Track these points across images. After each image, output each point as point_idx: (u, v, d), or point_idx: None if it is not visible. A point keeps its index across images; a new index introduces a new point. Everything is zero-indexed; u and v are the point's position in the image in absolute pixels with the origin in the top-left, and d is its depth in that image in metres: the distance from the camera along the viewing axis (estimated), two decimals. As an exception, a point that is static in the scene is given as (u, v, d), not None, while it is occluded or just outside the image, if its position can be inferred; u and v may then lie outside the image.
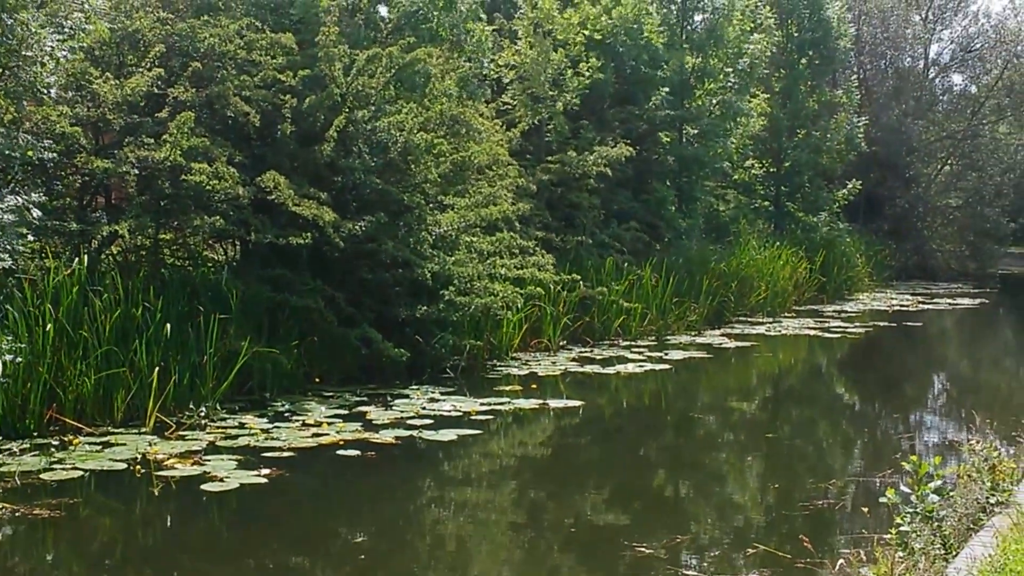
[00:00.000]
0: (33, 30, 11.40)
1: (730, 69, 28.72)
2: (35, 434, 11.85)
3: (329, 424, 13.00)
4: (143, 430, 12.35)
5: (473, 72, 22.37)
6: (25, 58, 11.52)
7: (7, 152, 11.21)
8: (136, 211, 14.16)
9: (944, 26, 47.57)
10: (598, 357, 19.31)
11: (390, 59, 16.80)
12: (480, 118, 19.42)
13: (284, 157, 15.84)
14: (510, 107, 23.69)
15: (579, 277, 20.25)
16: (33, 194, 12.20)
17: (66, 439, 11.80)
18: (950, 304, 32.81)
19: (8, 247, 11.14)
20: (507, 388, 15.98)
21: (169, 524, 9.95)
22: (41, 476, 10.52)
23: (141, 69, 14.87)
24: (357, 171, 15.97)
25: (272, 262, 15.41)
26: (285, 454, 11.61)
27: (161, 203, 14.75)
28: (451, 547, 9.60)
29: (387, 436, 12.55)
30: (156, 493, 10.34)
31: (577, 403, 15.33)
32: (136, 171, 14.11)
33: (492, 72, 24.21)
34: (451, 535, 9.93)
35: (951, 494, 7.98)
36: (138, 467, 11.00)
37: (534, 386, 16.31)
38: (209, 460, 11.24)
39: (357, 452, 11.83)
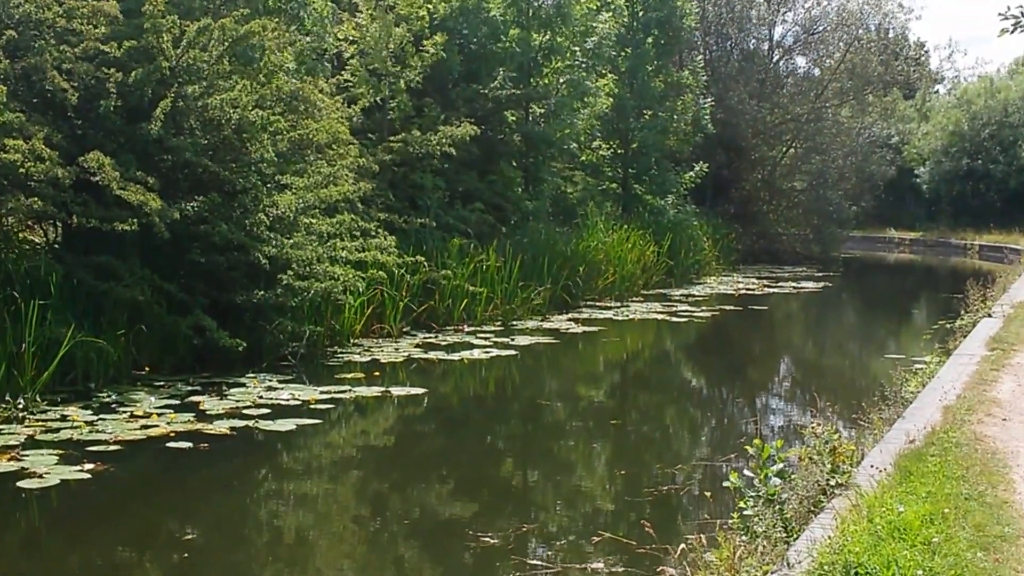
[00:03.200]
0: None
1: (577, 48, 29.00)
2: None
3: (159, 415, 12.73)
4: (-47, 424, 11.91)
5: (312, 46, 22.11)
6: None
7: None
8: (-56, 189, 13.60)
9: (788, 8, 48.95)
10: (443, 343, 19.34)
11: (223, 31, 16.45)
12: (320, 94, 19.19)
13: (109, 134, 15.37)
14: (351, 84, 23.48)
15: (423, 260, 20.23)
16: None
17: None
18: (795, 288, 33.84)
19: None
20: (348, 376, 15.89)
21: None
22: None
23: (-52, 36, 14.28)
24: (187, 150, 15.62)
25: (97, 246, 14.97)
26: (111, 447, 11.34)
27: (-29, 182, 14.20)
28: (289, 541, 9.51)
29: (221, 427, 12.36)
30: (-32, 492, 9.98)
31: (421, 391, 15.34)
32: (-57, 147, 13.55)
33: (332, 47, 23.95)
34: (290, 529, 9.83)
35: (793, 477, 8.21)
36: (-53, 464, 10.61)
37: (376, 373, 16.25)
38: (27, 455, 10.89)
39: (189, 444, 11.62)
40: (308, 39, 21.75)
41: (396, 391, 15.11)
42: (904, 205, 65.82)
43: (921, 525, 6.80)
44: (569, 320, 23.37)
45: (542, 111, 28.29)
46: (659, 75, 35.91)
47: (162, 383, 14.57)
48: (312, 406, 13.73)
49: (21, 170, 13.58)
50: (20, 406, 12.61)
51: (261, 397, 13.98)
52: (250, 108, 16.45)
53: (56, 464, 10.62)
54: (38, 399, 12.92)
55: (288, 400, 13.91)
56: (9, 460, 10.71)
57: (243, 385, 14.66)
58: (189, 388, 14.38)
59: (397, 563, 8.99)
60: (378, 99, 23.36)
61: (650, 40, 35.10)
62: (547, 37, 28.13)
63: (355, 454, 12.57)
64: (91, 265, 14.70)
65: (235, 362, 15.56)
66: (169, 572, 8.54)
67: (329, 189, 17.69)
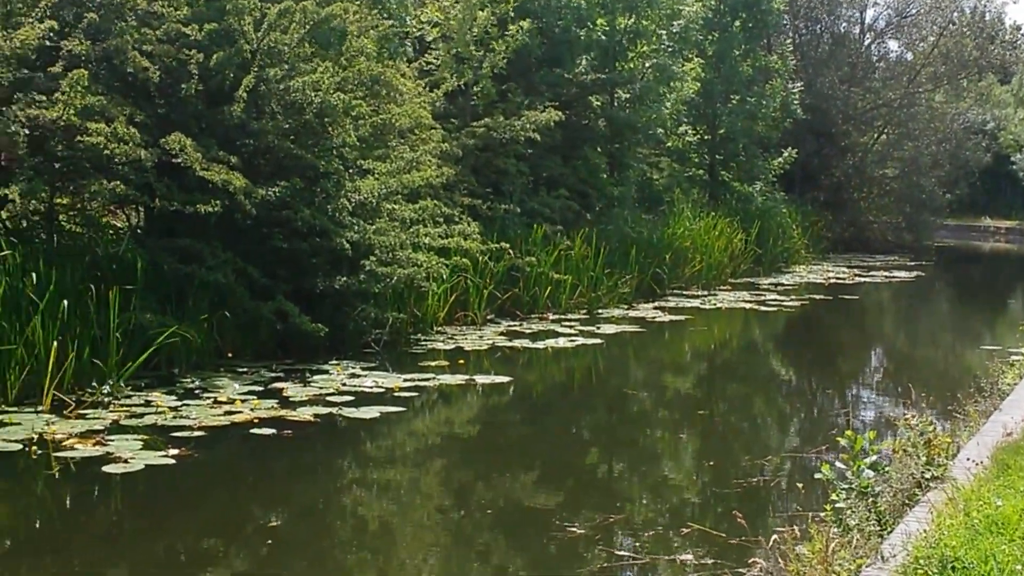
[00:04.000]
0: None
1: (663, 32, 28.75)
2: (-79, 415, 11.56)
3: (243, 401, 12.80)
4: (39, 409, 12.05)
5: (394, 30, 22.13)
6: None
7: None
8: (28, 174, 13.76)
9: (881, -10, 48.15)
10: (527, 331, 19.28)
11: (304, 13, 16.47)
12: (402, 79, 19.21)
13: (190, 117, 15.49)
14: (433, 68, 23.47)
15: (507, 246, 20.18)
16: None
17: (-45, 420, 11.52)
18: (886, 277, 33.30)
19: None
20: (432, 363, 15.89)
21: (69, 508, 9.74)
22: (-72, 459, 10.27)
23: (31, 19, 14.43)
24: (269, 134, 15.71)
25: (179, 230, 15.12)
26: (195, 433, 11.43)
27: (56, 166, 14.38)
28: (373, 530, 9.53)
29: (305, 414, 12.40)
30: (54, 475, 10.11)
31: (505, 379, 15.28)
32: (26, 131, 13.71)
33: (414, 30, 23.97)
34: (373, 517, 9.85)
35: (887, 469, 8.06)
36: (34, 448, 10.76)
37: (460, 361, 16.23)
38: (112, 440, 11.00)
39: (272, 431, 11.67)
40: (390, 22, 21.77)
41: (480, 379, 15.08)
42: (1000, 193, 64.55)
43: (1020, 519, 6.66)
44: (655, 309, 23.20)
45: (627, 96, 28.07)
46: (747, 59, 35.48)
47: (245, 369, 14.68)
48: (396, 394, 13.74)
49: (105, 151, 13.71)
50: (105, 391, 12.75)
51: (344, 384, 14.01)
52: (332, 91, 16.48)
53: (141, 449, 10.72)
54: (123, 384, 13.06)
55: (371, 387, 13.94)
56: (95, 445, 10.84)
57: (326, 372, 14.71)
58: (272, 374, 14.47)
59: (481, 553, 8.94)
60: (461, 84, 23.32)
61: (738, 23, 34.72)
62: (632, 20, 27.91)
63: (439, 442, 12.55)
64: (174, 249, 14.83)
65: (318, 349, 15.61)
66: (254, 559, 8.57)
67: (412, 174, 17.69)
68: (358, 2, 19.57)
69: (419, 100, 19.56)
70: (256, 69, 15.70)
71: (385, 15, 21.76)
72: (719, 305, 24.59)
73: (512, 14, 24.24)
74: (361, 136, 17.35)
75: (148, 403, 12.61)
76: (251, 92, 15.53)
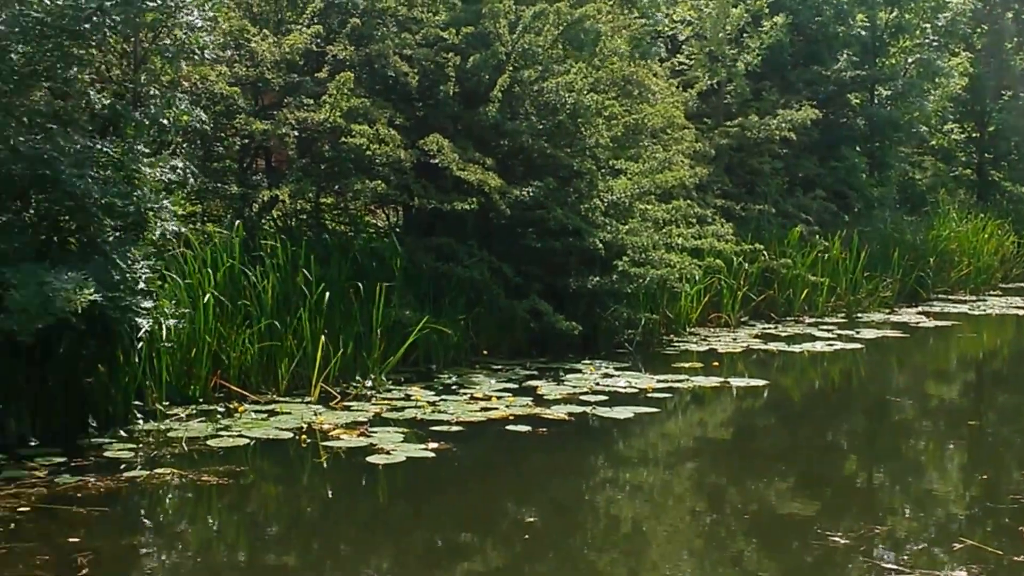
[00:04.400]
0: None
1: (928, 25, 27.90)
2: (201, 400, 12.32)
3: (498, 398, 13.15)
4: (308, 399, 12.72)
5: (646, 29, 22.24)
6: (179, 22, 11.80)
7: (160, 119, 11.56)
8: (296, 175, 14.55)
9: None
10: (782, 334, 19.07)
11: (558, 15, 16.81)
12: (654, 78, 19.32)
13: (447, 119, 16.05)
14: (686, 67, 23.48)
15: (761, 248, 20.00)
16: (191, 157, 12.60)
17: (231, 406, 12.25)
18: None
19: (168, 211, 11.52)
20: (685, 365, 15.93)
21: (335, 495, 10.26)
22: (208, 443, 10.96)
23: (299, 26, 15.22)
24: (524, 134, 16.08)
25: (435, 229, 15.70)
26: (453, 428, 11.81)
27: (321, 166, 15.13)
28: (626, 530, 9.62)
29: (559, 412, 12.64)
30: (322, 463, 10.65)
31: (761, 382, 15.17)
32: (296, 133, 14.48)
33: (666, 29, 24.02)
34: (626, 518, 9.95)
35: None
36: (304, 437, 11.35)
37: (715, 364, 16.20)
38: (375, 432, 11.50)
39: (528, 428, 11.95)
40: (642, 22, 21.90)
41: (735, 382, 15.02)
42: None
43: None
44: (919, 313, 22.54)
45: (888, 93, 27.36)
46: (1019, 53, 34.03)
47: (500, 367, 15.08)
48: (649, 394, 13.84)
49: (368, 152, 14.36)
50: (368, 385, 13.37)
51: (597, 384, 14.20)
52: (585, 92, 16.74)
53: (402, 442, 11.16)
54: (384, 378, 13.63)
55: (625, 387, 14.08)
56: (359, 436, 11.36)
57: (579, 371, 14.95)
58: (526, 372, 14.81)
59: (737, 558, 8.91)
60: (714, 82, 23.24)
61: (1010, 15, 33.33)
62: (894, 15, 27.20)
63: (692, 444, 12.59)
64: (431, 247, 15.41)
65: (571, 348, 15.91)
66: (510, 554, 8.80)
67: (664, 174, 17.76)
68: (611, 2, 19.80)
69: (672, 100, 19.62)
70: (511, 70, 16.09)
71: (637, 15, 21.88)
72: (989, 311, 23.70)
73: (767, 10, 24.01)
74: (614, 136, 17.54)
75: (408, 397, 13.11)
76: (506, 93, 15.94)
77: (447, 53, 15.98)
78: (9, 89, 10.82)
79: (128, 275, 10.57)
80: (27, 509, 8.74)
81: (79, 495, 9.15)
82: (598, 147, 17.28)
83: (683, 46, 24.07)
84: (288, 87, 14.86)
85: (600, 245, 16.10)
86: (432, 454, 10.85)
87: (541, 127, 16.50)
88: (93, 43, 11.26)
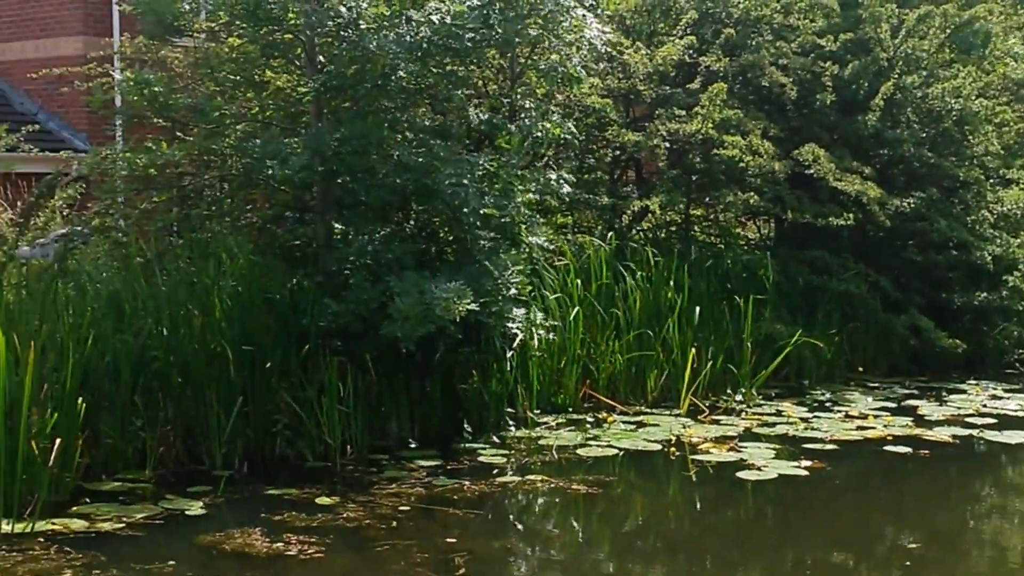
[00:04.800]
0: (571, 17, 11.93)
1: None
2: (570, 410, 12.51)
3: (875, 417, 12.70)
4: (676, 412, 12.69)
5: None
6: (559, 39, 12.06)
7: (535, 132, 11.86)
8: (667, 186, 14.57)
9: None
10: None
11: (944, 17, 16.17)
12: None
13: (822, 129, 15.69)
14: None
15: None
16: (564, 169, 12.84)
17: (600, 416, 12.38)
18: None
19: (536, 222, 11.79)
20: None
21: (702, 509, 10.16)
22: (577, 452, 11.11)
23: (672, 38, 15.26)
24: (906, 143, 15.52)
25: (809, 242, 15.37)
26: (827, 446, 11.44)
27: (692, 178, 15.11)
28: (1014, 564, 8.97)
29: (942, 434, 12.02)
30: (690, 476, 10.58)
31: None
32: (667, 144, 14.52)
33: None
34: (1015, 549, 9.31)
35: None
36: (672, 449, 11.32)
37: None
38: (745, 447, 11.33)
39: (907, 449, 11.42)
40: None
41: None
42: None
43: None
44: None
45: None
46: None
47: (876, 384, 14.61)
48: (1044, 419, 12.97)
49: (740, 163, 14.22)
50: (738, 399, 13.23)
51: (984, 406, 13.43)
52: (973, 98, 15.98)
53: (773, 458, 10.92)
54: (754, 393, 13.45)
55: (1016, 411, 13.22)
56: (728, 450, 11.21)
57: (963, 392, 14.24)
58: (905, 391, 14.26)
59: None
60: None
61: None
62: None
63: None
64: (804, 260, 15.11)
65: (953, 367, 15.25)
66: (888, 579, 8.46)
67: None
68: (1004, 1, 18.78)
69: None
70: (894, 77, 15.54)
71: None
72: None
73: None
74: (1004, 144, 16.65)
75: (779, 413, 12.86)
76: (886, 101, 15.40)
77: (824, 61, 15.60)
78: (396, 106, 11.43)
79: (500, 282, 10.88)
80: (407, 508, 9.13)
81: (455, 497, 9.48)
82: (987, 155, 16.40)
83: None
84: (660, 99, 14.93)
85: (988, 259, 15.27)
86: (805, 472, 10.55)
87: (924, 135, 15.87)
88: (473, 60, 11.68)
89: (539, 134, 11.94)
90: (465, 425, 11.48)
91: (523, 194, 11.45)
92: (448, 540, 8.47)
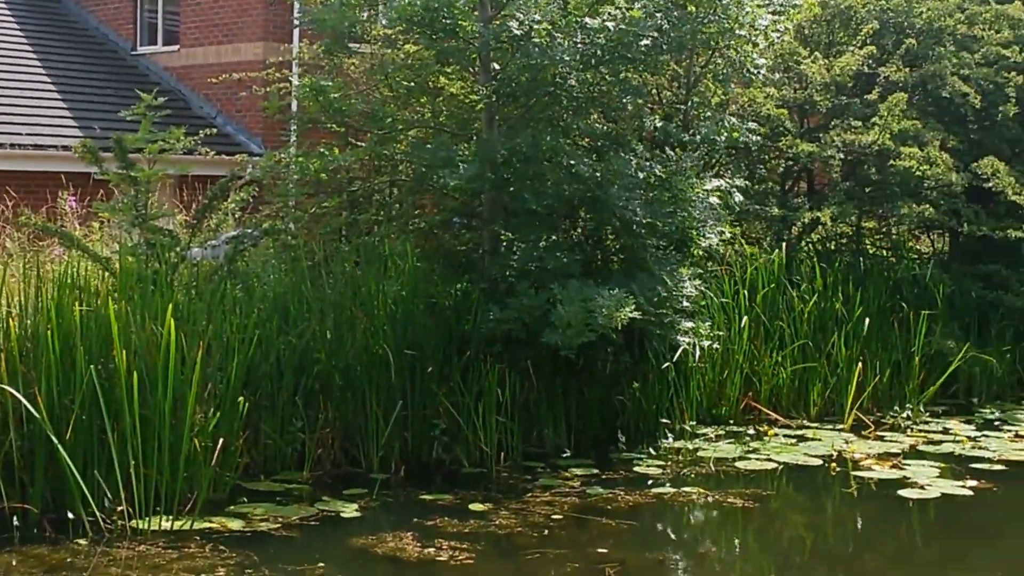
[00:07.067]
0: (748, 8, 11.62)
1: None
2: (730, 422, 12.16)
3: (1050, 438, 12.07)
4: (839, 427, 12.22)
5: None
6: (738, 37, 11.78)
7: (712, 136, 11.58)
8: (839, 197, 14.06)
9: None
10: None
11: None
12: None
13: (1003, 142, 15.01)
14: None
15: None
16: (736, 178, 12.49)
17: (760, 429, 12.00)
18: None
19: (711, 229, 11.46)
20: None
21: (862, 526, 9.73)
22: (735, 464, 10.77)
23: (851, 48, 14.75)
24: (1089, 158, 14.68)
25: (983, 256, 14.71)
26: (994, 466, 10.88)
27: (866, 189, 14.56)
28: None
29: None
30: (851, 493, 10.14)
31: None
32: (841, 155, 14.04)
33: None
34: None
35: None
36: (833, 464, 10.89)
37: None
38: (909, 464, 10.84)
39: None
40: None
41: None
42: None
43: None
44: None
45: None
46: None
47: (1041, 403, 13.95)
48: None
49: (916, 175, 13.61)
50: (904, 416, 12.69)
51: None
52: None
53: (937, 477, 10.42)
54: (921, 409, 12.90)
55: None
56: (891, 467, 10.75)
57: None
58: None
59: None
60: None
61: None
62: None
63: None
64: (978, 274, 14.48)
65: None
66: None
67: None
68: None
69: None
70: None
71: None
72: None
73: None
74: None
75: (946, 431, 12.30)
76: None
77: (1008, 72, 14.84)
78: (568, 114, 11.23)
79: (675, 293, 10.59)
80: (560, 517, 8.95)
81: (609, 507, 9.25)
82: None
83: None
84: (836, 109, 14.41)
85: None
86: (970, 492, 10.03)
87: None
88: (646, 67, 11.42)
89: (716, 137, 11.61)
90: (620, 435, 11.21)
91: (695, 202, 11.03)
92: (600, 550, 8.25)
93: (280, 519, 8.56)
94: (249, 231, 10.68)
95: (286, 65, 13.58)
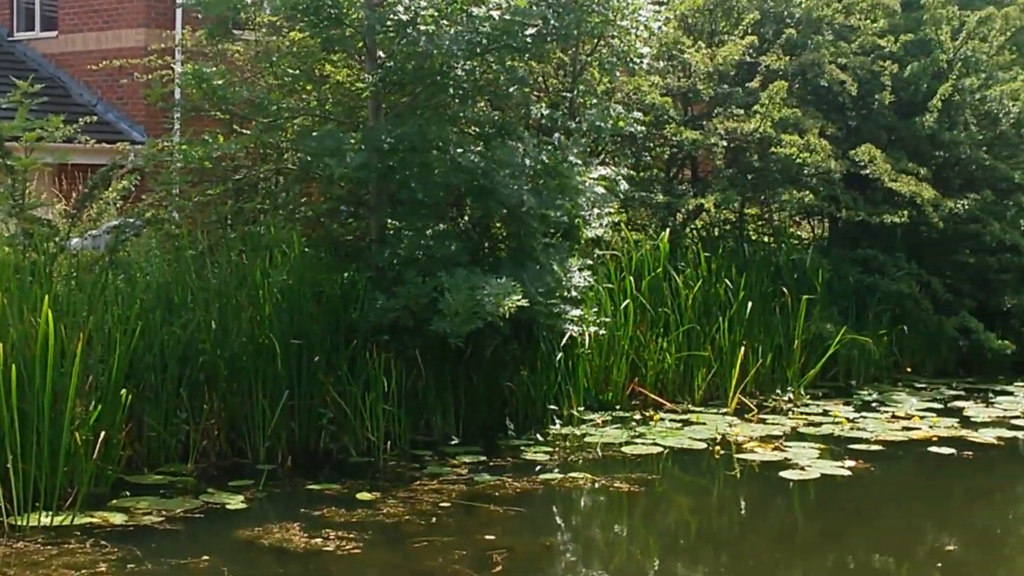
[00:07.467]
0: (629, 0, 11.67)
1: None
2: (617, 407, 12.25)
3: (921, 418, 12.36)
4: (723, 410, 12.41)
5: None
6: (620, 28, 11.83)
7: (598, 124, 11.62)
8: (723, 184, 14.26)
9: None
10: None
11: (1006, 20, 15.77)
12: None
13: (880, 129, 15.33)
14: None
15: None
16: (622, 165, 12.56)
17: (646, 414, 12.10)
18: None
19: (598, 217, 11.51)
20: None
21: (745, 508, 9.90)
22: (622, 449, 10.84)
23: (734, 37, 14.94)
24: (962, 144, 15.13)
25: (862, 242, 15.03)
26: (872, 447, 11.13)
27: (748, 176, 14.77)
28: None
29: (987, 436, 11.67)
30: (735, 475, 10.31)
31: None
32: (724, 143, 14.21)
33: None
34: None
35: None
36: (717, 448, 11.05)
37: None
38: (790, 446, 11.03)
39: (952, 450, 11.09)
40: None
41: None
42: None
43: None
44: None
45: None
46: None
47: (923, 385, 14.24)
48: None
49: (796, 162, 13.85)
50: (785, 399, 12.90)
51: (1031, 407, 13.04)
52: (1033, 101, 15.52)
53: (817, 458, 10.63)
54: (802, 392, 13.14)
55: (1063, 412, 12.82)
56: (773, 450, 10.93)
57: (1011, 394, 13.86)
58: (952, 392, 13.89)
59: None
60: None
61: None
62: None
63: None
64: (856, 259, 14.78)
65: (1001, 369, 14.86)
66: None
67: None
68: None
69: None
70: (953, 79, 15.09)
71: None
72: None
73: None
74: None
75: (825, 412, 12.54)
76: (944, 102, 14.96)
77: (884, 61, 15.17)
78: (454, 102, 11.17)
79: (564, 282, 10.62)
80: (448, 505, 8.94)
81: (496, 494, 9.26)
82: (1043, 158, 15.89)
83: None
84: (718, 97, 14.59)
85: (1041, 262, 14.81)
86: (848, 472, 10.25)
87: (981, 137, 15.41)
88: (532, 56, 11.41)
89: (602, 124, 11.63)
90: (508, 422, 11.22)
91: (581, 190, 11.07)
92: (487, 537, 8.26)
93: (164, 512, 8.39)
94: (131, 220, 10.48)
95: (169, 52, 13.30)
